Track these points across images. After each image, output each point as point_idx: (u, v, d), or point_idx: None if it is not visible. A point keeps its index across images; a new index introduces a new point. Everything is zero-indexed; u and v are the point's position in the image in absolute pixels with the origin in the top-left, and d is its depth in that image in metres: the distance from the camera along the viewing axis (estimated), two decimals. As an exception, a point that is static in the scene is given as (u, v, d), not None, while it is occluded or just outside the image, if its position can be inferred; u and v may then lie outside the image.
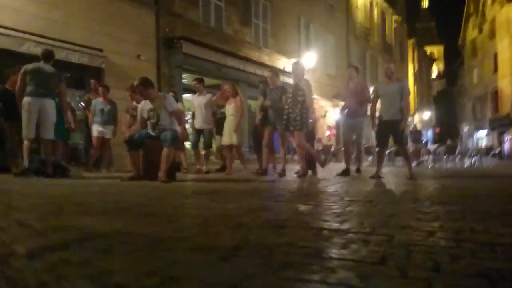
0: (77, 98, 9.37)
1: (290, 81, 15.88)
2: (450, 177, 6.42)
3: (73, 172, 6.49)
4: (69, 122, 6.48)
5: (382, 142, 5.98)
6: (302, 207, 2.37)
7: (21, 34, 7.78)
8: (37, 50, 7.92)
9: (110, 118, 7.35)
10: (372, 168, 7.73)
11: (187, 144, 8.91)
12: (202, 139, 7.30)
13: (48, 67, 5.55)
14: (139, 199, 2.76)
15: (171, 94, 7.33)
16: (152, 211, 2.16)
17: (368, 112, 6.40)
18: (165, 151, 4.76)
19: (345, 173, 6.30)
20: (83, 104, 8.51)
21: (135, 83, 5.09)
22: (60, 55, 8.35)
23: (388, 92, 5.75)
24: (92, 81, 8.38)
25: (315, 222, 1.89)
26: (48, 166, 5.62)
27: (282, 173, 6.18)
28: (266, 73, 6.70)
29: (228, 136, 6.61)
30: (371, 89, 6.73)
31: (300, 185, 4.40)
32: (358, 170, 6.45)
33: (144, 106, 5.06)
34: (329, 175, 6.45)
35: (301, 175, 5.89)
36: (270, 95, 6.44)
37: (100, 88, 7.51)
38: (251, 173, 6.49)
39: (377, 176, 5.69)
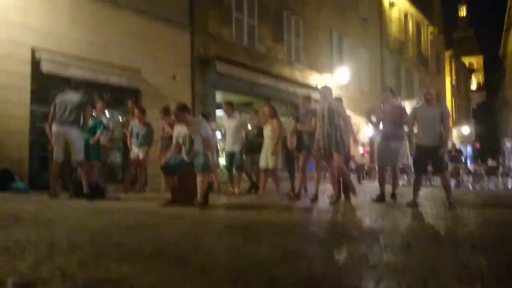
0: (115, 118, 9.75)
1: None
2: (492, 205, 6.12)
3: (111, 194, 6.75)
4: (94, 139, 6.92)
5: (419, 169, 5.79)
6: (337, 256, 2.33)
7: (65, 59, 8.20)
8: (80, 73, 8.36)
9: (145, 141, 7.59)
10: (407, 190, 7.52)
11: (221, 163, 9.03)
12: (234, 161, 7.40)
13: (75, 97, 5.92)
14: (174, 237, 2.81)
15: (204, 114, 7.52)
16: (185, 258, 2.20)
17: (405, 136, 6.29)
18: (199, 177, 4.91)
19: (380, 199, 6.16)
20: (121, 121, 8.84)
21: (168, 106, 5.27)
22: (101, 77, 8.77)
23: (427, 117, 5.54)
24: (129, 102, 8.68)
25: (351, 278, 1.85)
26: (85, 187, 5.86)
27: (315, 198, 6.14)
28: (300, 99, 6.70)
29: (264, 160, 6.65)
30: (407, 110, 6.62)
31: (333, 216, 4.34)
32: (393, 196, 6.28)
33: (180, 130, 5.22)
34: (362, 199, 6.34)
35: (334, 201, 5.82)
36: (303, 120, 6.44)
37: (136, 111, 7.75)
38: (284, 195, 6.48)
39: (413, 204, 5.53)
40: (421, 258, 2.31)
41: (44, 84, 8.17)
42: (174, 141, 5.31)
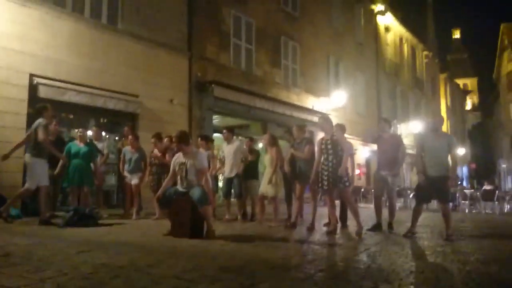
0: (111, 142, 9.73)
1: (317, 120, 15.91)
2: (490, 236, 6.08)
3: (102, 218, 6.73)
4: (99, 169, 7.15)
5: (421, 198, 5.81)
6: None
7: (63, 84, 8.23)
8: (78, 99, 8.39)
9: (137, 166, 7.57)
10: (403, 214, 7.44)
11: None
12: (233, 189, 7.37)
13: (36, 123, 6.06)
14: (169, 284, 2.76)
15: (203, 137, 7.53)
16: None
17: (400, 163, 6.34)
18: (202, 211, 4.96)
19: (376, 228, 6.14)
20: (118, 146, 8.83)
21: (161, 133, 5.27)
22: (98, 102, 8.81)
23: (434, 147, 5.56)
24: (126, 128, 8.69)
25: None
26: (43, 213, 6.15)
27: (312, 227, 6.11)
28: (294, 128, 6.73)
29: (264, 187, 6.65)
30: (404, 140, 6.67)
31: (330, 251, 4.28)
32: (390, 225, 6.24)
33: (178, 159, 5.25)
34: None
35: (331, 231, 5.78)
36: (297, 148, 6.45)
37: (129, 137, 7.75)
38: (280, 223, 6.43)
39: (410, 234, 5.55)
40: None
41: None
42: (171, 169, 5.32)
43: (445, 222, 5.52)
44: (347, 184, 5.64)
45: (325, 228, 6.27)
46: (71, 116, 9.22)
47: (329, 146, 5.71)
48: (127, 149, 7.64)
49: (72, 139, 7.91)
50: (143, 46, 10.03)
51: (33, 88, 7.87)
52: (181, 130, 5.67)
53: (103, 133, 9.19)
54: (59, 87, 8.10)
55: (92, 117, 9.54)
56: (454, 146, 5.66)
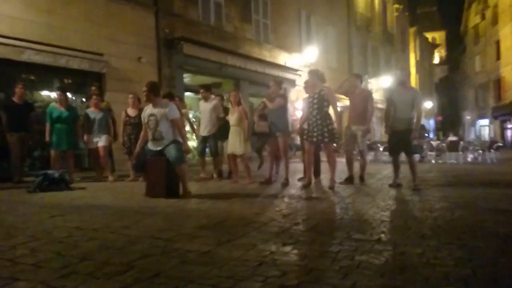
0: (77, 103, 9.34)
1: (292, 76, 15.74)
2: (455, 184, 6.39)
3: (74, 182, 6.66)
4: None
5: (394, 151, 6.06)
6: (310, 261, 2.36)
7: (20, 43, 7.69)
8: (37, 58, 7.91)
9: (102, 127, 7.33)
10: (374, 167, 7.65)
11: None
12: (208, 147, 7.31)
13: None
14: (144, 244, 2.76)
15: (176, 99, 7.32)
16: (158, 271, 2.16)
17: (369, 121, 6.48)
18: (178, 171, 4.93)
19: (348, 180, 6.34)
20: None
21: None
22: (60, 61, 8.33)
23: (401, 101, 5.77)
24: (92, 87, 8.32)
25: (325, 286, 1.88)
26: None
27: (286, 182, 6.24)
28: (271, 82, 6.65)
29: (232, 146, 6.59)
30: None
31: (305, 205, 4.38)
32: (362, 178, 6.44)
33: (147, 110, 5.15)
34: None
35: (306, 184, 5.92)
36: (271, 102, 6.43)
37: (93, 97, 7.47)
38: (257, 181, 6.51)
39: (395, 184, 5.90)
40: (392, 258, 2.37)
41: (-2, 70, 7.70)
42: (143, 125, 5.23)
43: (411, 173, 5.82)
44: (336, 141, 5.74)
45: (299, 183, 6.41)
46: (32, 78, 8.73)
47: (315, 101, 5.71)
48: (90, 110, 7.37)
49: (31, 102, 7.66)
50: (106, 0, 9.41)
51: (-14, 48, 7.32)
52: (151, 80, 5.48)
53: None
54: (15, 46, 7.56)
55: (56, 77, 9.07)
56: (418, 100, 5.84)
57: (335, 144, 5.89)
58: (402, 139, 5.71)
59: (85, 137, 7.33)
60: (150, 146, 5.11)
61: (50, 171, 6.18)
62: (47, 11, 8.31)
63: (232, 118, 6.58)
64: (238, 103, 6.60)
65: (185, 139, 5.28)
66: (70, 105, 7.39)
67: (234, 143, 6.55)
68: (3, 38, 7.48)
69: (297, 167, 8.41)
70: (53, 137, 6.90)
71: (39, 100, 8.87)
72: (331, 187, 5.67)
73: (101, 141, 7.29)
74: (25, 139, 7.08)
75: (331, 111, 5.80)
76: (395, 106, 5.79)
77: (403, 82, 6.06)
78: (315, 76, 5.91)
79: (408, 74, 7.07)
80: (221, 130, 7.17)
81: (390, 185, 5.95)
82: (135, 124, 7.14)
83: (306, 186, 5.88)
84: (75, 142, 7.22)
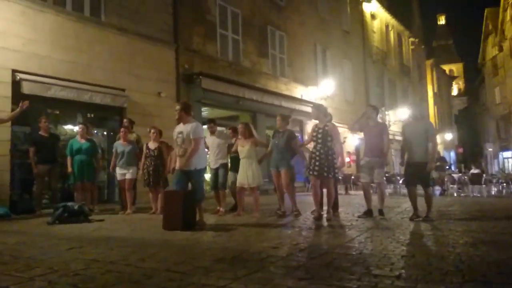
0: (100, 137, 9.62)
1: (308, 109, 15.89)
2: (478, 218, 6.18)
3: (93, 213, 6.76)
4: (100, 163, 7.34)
5: (410, 183, 6.06)
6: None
7: (47, 79, 8.07)
8: (63, 94, 8.24)
9: (130, 159, 7.44)
10: (393, 200, 7.54)
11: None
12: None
13: None
14: (161, 277, 2.75)
15: (122, 130, 7.56)
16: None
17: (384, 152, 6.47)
18: (198, 208, 5.39)
19: (367, 214, 6.21)
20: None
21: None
22: (84, 97, 8.66)
23: (414, 133, 5.89)
24: (125, 120, 8.39)
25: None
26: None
27: (297, 213, 6.43)
28: (278, 117, 6.71)
29: (242, 179, 6.53)
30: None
31: (322, 239, 4.31)
32: (381, 211, 6.31)
33: (177, 128, 5.46)
34: (350, 214, 6.43)
35: (316, 217, 5.89)
36: (275, 137, 6.45)
37: (121, 130, 7.64)
38: (275, 212, 6.48)
39: (416, 217, 5.84)
40: (412, 294, 2.29)
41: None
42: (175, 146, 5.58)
43: (427, 205, 5.88)
44: (337, 176, 5.81)
45: (312, 216, 6.32)
46: (57, 112, 9.08)
47: (319, 135, 5.79)
48: (119, 143, 7.54)
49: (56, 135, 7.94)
50: (128, 38, 9.86)
51: (16, 85, 7.69)
52: (184, 100, 5.76)
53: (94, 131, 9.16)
54: (43, 83, 7.94)
55: (79, 112, 9.41)
56: (431, 130, 5.94)
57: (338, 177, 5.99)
58: (418, 171, 5.76)
59: (111, 169, 7.51)
60: (177, 164, 5.38)
61: (69, 203, 6.29)
62: (73, 49, 8.74)
63: (243, 150, 6.52)
64: (250, 135, 6.60)
65: (195, 152, 5.33)
66: (90, 138, 7.62)
67: (245, 175, 6.47)
68: (32, 76, 7.88)
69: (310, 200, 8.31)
70: (74, 169, 7.12)
71: (63, 133, 9.18)
72: (329, 219, 5.81)
73: (128, 174, 7.38)
74: (54, 169, 7.31)
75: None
76: (409, 139, 5.91)
77: (414, 116, 6.21)
78: (319, 110, 6.06)
79: (420, 108, 7.07)
80: (232, 163, 7.13)
81: (411, 219, 5.83)
82: (155, 157, 7.27)
83: (317, 219, 5.81)
84: (94, 174, 7.37)
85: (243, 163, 6.53)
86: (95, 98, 8.80)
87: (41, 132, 7.31)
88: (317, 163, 5.76)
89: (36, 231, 5.26)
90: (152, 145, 7.47)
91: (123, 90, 9.58)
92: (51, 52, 8.36)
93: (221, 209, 7.04)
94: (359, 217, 6.12)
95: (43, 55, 8.22)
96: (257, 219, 6.15)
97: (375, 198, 6.44)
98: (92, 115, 9.65)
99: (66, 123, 9.43)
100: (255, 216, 6.34)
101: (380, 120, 6.54)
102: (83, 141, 7.28)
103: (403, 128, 6.39)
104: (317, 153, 5.80)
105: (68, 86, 8.31)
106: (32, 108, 8.33)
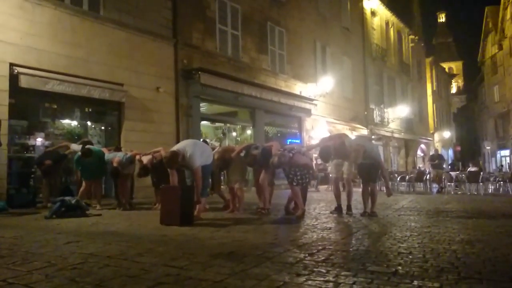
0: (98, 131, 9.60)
1: (307, 106, 15.79)
2: (475, 216, 6.20)
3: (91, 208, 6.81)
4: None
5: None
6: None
7: (45, 73, 8.04)
8: (60, 88, 8.21)
9: (129, 162, 7.46)
10: (391, 197, 7.61)
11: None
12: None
13: None
14: (159, 271, 2.75)
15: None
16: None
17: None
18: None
19: (337, 210, 6.46)
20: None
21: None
22: (82, 91, 8.63)
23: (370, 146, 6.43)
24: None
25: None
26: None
27: (262, 211, 6.29)
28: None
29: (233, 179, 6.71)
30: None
31: (320, 234, 4.32)
32: (349, 208, 6.34)
33: None
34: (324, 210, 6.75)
35: (300, 215, 5.90)
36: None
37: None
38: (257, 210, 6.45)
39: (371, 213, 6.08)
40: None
41: (23, 99, 8.01)
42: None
43: (368, 201, 6.17)
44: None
45: (314, 213, 6.34)
46: (55, 106, 9.06)
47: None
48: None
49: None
50: (127, 33, 9.82)
51: (13, 78, 7.66)
52: (170, 153, 5.47)
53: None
54: (41, 77, 7.90)
55: (77, 106, 9.39)
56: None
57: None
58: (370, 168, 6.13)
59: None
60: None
61: (67, 198, 6.29)
62: (71, 43, 8.70)
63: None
64: (232, 153, 6.67)
65: (199, 181, 5.49)
66: (93, 151, 7.47)
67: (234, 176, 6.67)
68: (30, 69, 7.84)
69: (313, 196, 8.33)
70: (84, 173, 7.39)
71: (60, 128, 9.21)
72: (298, 215, 5.85)
73: (126, 170, 7.39)
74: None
75: None
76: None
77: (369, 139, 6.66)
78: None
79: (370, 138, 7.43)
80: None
81: (362, 214, 6.06)
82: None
83: (300, 217, 5.83)
84: (102, 171, 7.54)
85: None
86: (93, 92, 8.78)
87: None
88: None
89: (34, 224, 5.27)
90: (145, 159, 7.38)
91: (122, 84, 9.55)
92: (49, 46, 8.32)
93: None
94: (330, 212, 6.43)
95: (41, 49, 8.18)
96: (252, 215, 6.17)
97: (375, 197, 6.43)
98: (90, 110, 9.64)
99: (63, 118, 9.41)
100: (230, 211, 6.51)
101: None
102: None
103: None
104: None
105: (66, 81, 8.28)
106: (29, 102, 8.36)
